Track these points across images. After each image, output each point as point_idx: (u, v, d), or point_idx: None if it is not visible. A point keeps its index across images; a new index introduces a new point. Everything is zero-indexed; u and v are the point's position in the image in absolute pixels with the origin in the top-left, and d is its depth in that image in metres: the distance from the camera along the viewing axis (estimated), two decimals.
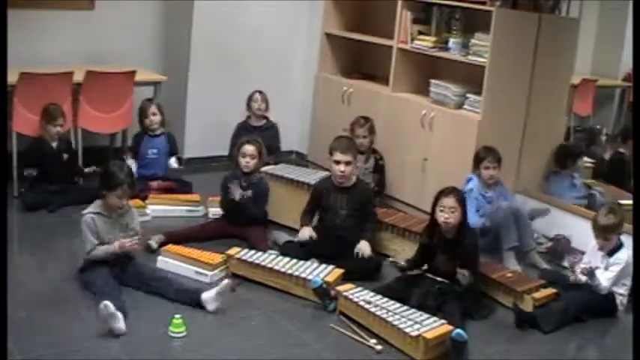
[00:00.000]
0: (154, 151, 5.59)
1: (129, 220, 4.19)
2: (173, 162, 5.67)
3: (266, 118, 6.04)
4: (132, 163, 5.36)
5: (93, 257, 4.00)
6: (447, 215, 4.09)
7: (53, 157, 5.22)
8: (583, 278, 4.18)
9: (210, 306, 3.89)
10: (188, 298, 3.94)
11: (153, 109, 5.61)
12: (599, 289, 4.17)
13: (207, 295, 3.91)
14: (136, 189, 4.86)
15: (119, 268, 4.04)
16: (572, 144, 5.84)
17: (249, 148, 4.89)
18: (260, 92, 6.03)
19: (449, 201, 4.10)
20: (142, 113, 5.63)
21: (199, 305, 3.89)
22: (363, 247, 4.50)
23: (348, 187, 4.67)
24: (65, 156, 5.31)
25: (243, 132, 5.79)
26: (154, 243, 4.58)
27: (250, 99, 6.03)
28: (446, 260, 4.14)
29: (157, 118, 5.61)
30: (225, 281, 3.96)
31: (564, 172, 5.49)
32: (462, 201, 4.13)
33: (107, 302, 3.52)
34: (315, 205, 4.73)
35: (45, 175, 5.18)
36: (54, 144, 5.26)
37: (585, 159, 5.80)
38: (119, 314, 3.54)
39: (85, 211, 4.10)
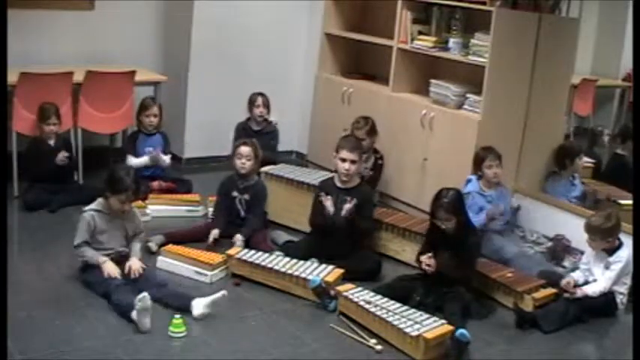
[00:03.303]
0: (150, 149, 5.55)
1: (130, 223, 4.19)
2: (167, 158, 5.61)
3: (266, 120, 5.99)
4: (134, 161, 5.40)
5: (79, 254, 4.01)
6: (444, 226, 4.16)
7: (51, 155, 5.20)
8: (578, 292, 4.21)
9: (197, 311, 3.78)
10: (175, 300, 3.86)
11: (155, 110, 5.59)
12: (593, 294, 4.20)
13: (198, 301, 3.81)
14: (141, 193, 4.88)
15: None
16: (571, 144, 5.84)
17: (245, 150, 4.88)
18: (262, 95, 5.93)
19: (441, 214, 4.15)
20: (143, 111, 5.59)
21: (186, 310, 3.77)
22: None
23: (350, 189, 4.66)
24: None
25: (243, 134, 5.77)
26: (153, 245, 4.57)
27: (252, 103, 5.92)
28: (448, 255, 4.15)
29: (157, 120, 5.60)
30: (222, 292, 3.87)
31: (564, 172, 5.48)
32: (456, 207, 4.15)
33: (147, 294, 3.54)
34: (322, 206, 4.68)
35: (44, 174, 5.17)
36: (51, 142, 5.26)
37: (585, 159, 5.79)
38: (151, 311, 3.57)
39: (86, 208, 4.12)
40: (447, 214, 4.13)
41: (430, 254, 4.13)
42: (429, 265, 4.10)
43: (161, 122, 5.66)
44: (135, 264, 4.04)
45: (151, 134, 5.62)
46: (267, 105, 5.93)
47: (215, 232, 4.67)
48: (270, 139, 5.88)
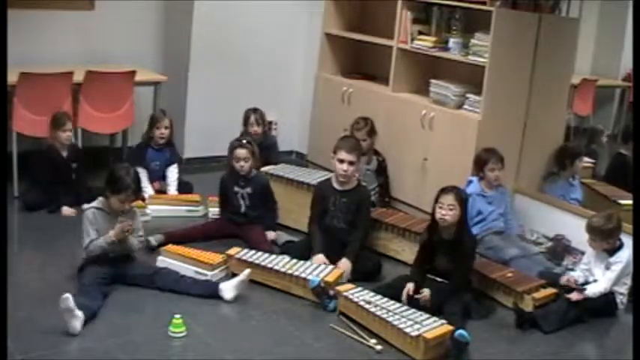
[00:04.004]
0: (157, 163, 5.56)
1: (130, 222, 4.18)
2: (174, 170, 5.57)
3: (264, 133, 5.87)
4: (142, 172, 5.38)
5: (91, 251, 3.99)
6: (445, 212, 4.10)
7: (64, 167, 5.20)
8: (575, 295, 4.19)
9: (229, 295, 3.98)
10: (204, 289, 4.02)
11: (166, 122, 5.54)
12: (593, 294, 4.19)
13: (225, 285, 4.00)
14: (141, 195, 4.88)
15: (120, 267, 4.05)
16: (572, 145, 5.84)
17: (241, 153, 4.86)
18: (255, 111, 5.78)
19: (447, 198, 4.11)
20: (154, 123, 5.54)
21: (216, 296, 3.97)
22: (343, 267, 4.36)
23: (348, 191, 4.65)
24: (74, 165, 5.26)
25: None
26: (153, 240, 4.58)
27: (246, 121, 5.78)
28: (446, 261, 4.15)
29: (168, 133, 5.56)
30: (247, 271, 4.05)
31: (562, 173, 5.48)
32: (462, 200, 4.14)
33: (69, 296, 3.47)
34: (320, 208, 4.66)
35: (54, 182, 5.15)
36: (64, 153, 5.23)
37: (585, 159, 5.80)
38: (78, 313, 3.49)
39: (86, 206, 4.13)
40: (455, 199, 4.09)
41: (424, 292, 4.01)
42: (424, 299, 4.01)
43: (172, 135, 5.63)
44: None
45: (161, 148, 5.57)
46: (261, 122, 5.78)
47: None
48: (270, 153, 5.74)
